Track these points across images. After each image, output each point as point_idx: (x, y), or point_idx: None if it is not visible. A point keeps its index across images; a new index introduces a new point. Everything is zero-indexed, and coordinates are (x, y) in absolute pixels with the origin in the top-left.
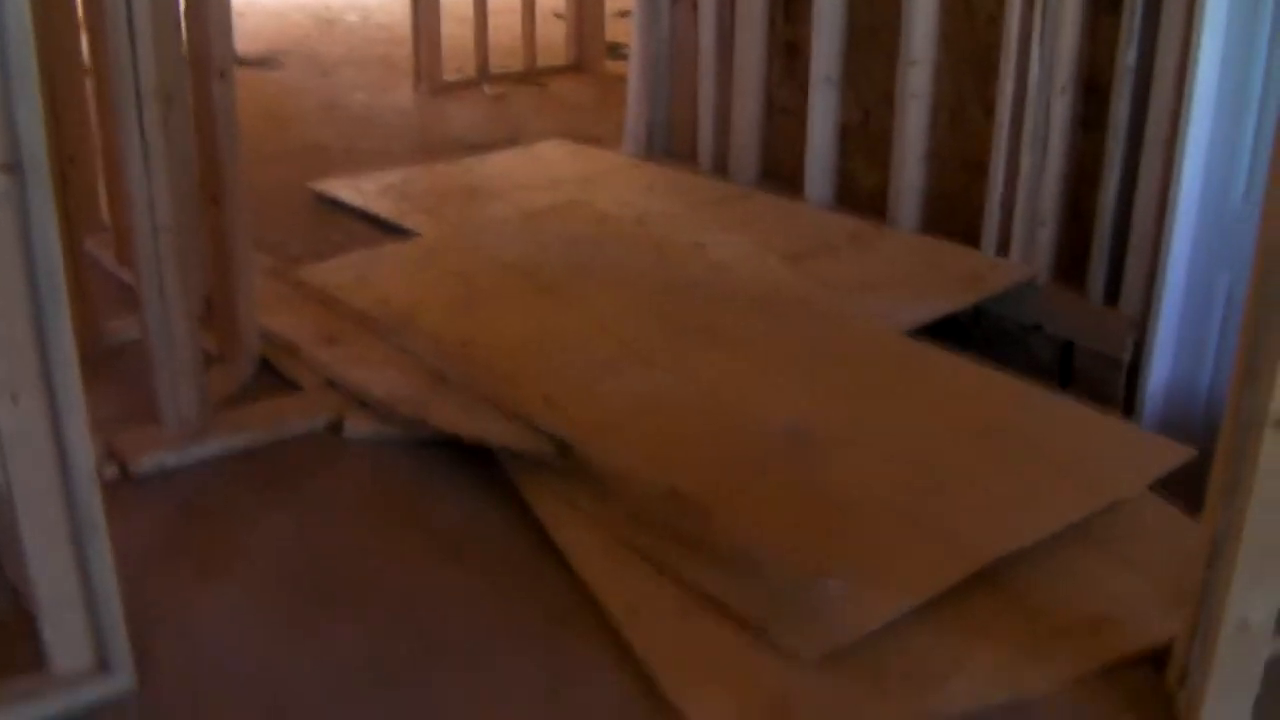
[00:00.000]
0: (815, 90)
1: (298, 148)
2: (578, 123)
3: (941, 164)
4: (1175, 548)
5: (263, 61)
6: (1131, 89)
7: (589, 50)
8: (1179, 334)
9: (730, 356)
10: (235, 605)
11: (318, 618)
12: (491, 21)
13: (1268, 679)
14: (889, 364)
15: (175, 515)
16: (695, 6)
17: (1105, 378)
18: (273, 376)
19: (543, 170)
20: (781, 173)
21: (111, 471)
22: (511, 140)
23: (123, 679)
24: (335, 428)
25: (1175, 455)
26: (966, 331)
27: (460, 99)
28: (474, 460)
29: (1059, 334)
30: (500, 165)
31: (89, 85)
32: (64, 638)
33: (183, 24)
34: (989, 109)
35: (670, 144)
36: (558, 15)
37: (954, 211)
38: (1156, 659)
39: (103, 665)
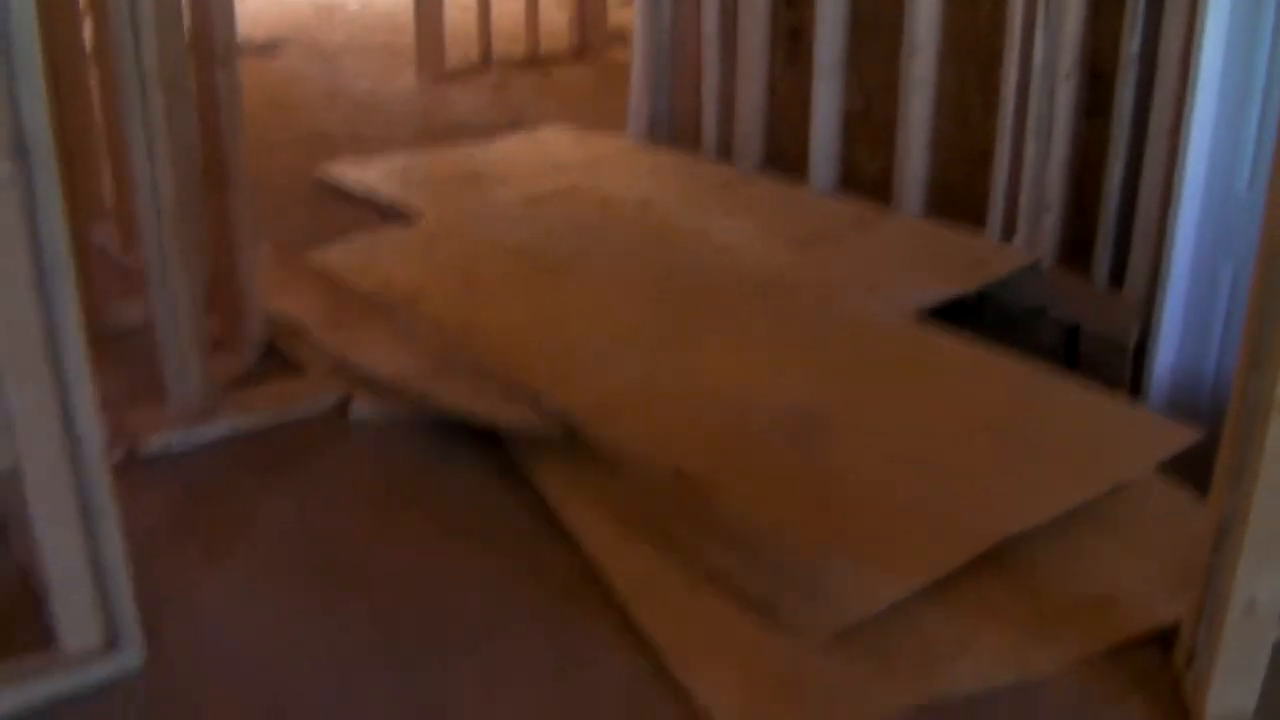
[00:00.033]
0: (819, 77)
1: (301, 134)
2: (581, 108)
3: (945, 151)
4: (1182, 530)
5: (263, 48)
6: (1136, 76)
7: (592, 36)
8: (1184, 318)
9: (734, 340)
10: (243, 585)
11: (325, 597)
12: (494, 8)
13: (1275, 660)
14: (893, 348)
15: (182, 495)
16: None
17: (1111, 361)
18: (278, 359)
19: (546, 155)
20: (785, 158)
21: (119, 453)
22: (514, 126)
23: (132, 657)
24: (342, 409)
25: (1181, 437)
26: (971, 316)
27: (463, 85)
28: (480, 442)
29: (1064, 318)
30: (503, 151)
31: (92, 73)
32: (73, 616)
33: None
34: (993, 96)
35: (673, 129)
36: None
37: (958, 198)
38: (1163, 640)
39: (112, 644)
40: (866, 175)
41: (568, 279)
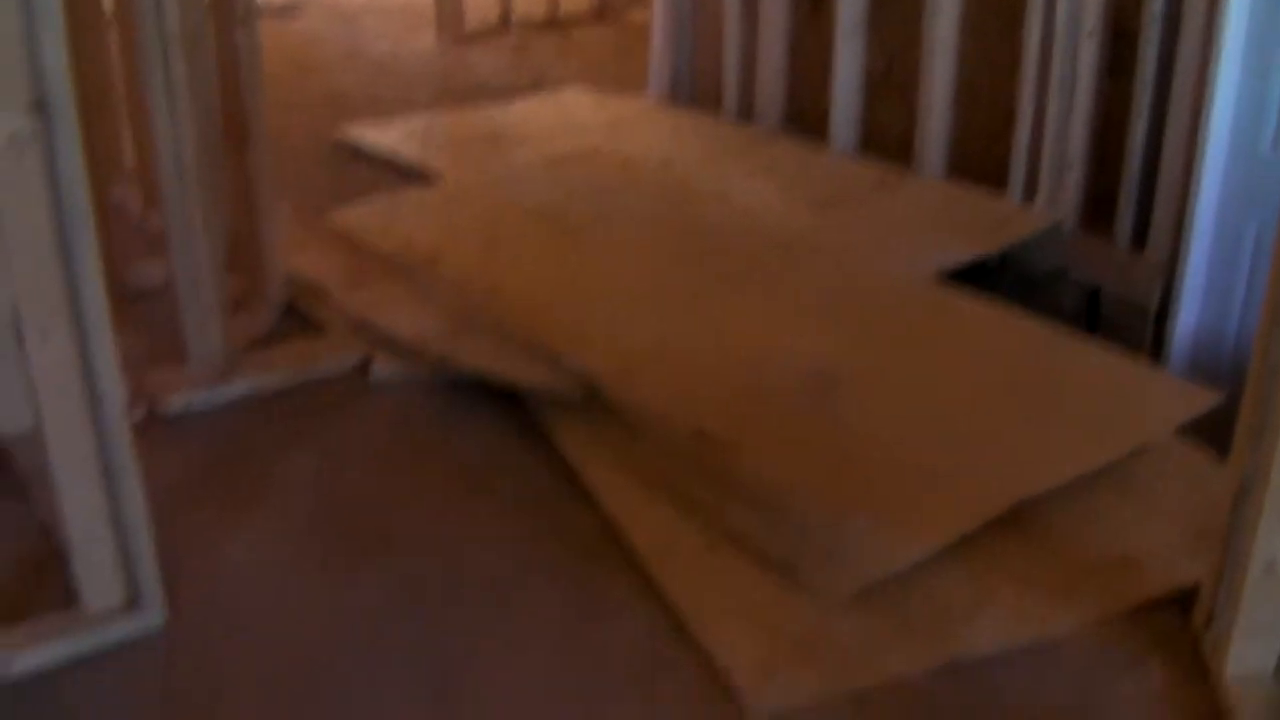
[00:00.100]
0: (841, 37)
1: (321, 95)
2: (601, 70)
3: (967, 110)
4: (1202, 492)
5: (283, 10)
6: (1159, 34)
7: None
8: (1207, 279)
9: (756, 301)
10: (263, 543)
11: (345, 555)
12: None
13: None
14: (914, 309)
15: (203, 454)
16: None
17: (1132, 324)
18: (298, 320)
19: (566, 117)
20: (806, 119)
21: (140, 412)
22: (535, 87)
23: (153, 616)
24: (362, 369)
25: (1202, 400)
26: (993, 277)
27: (483, 46)
28: (500, 401)
29: (1086, 280)
30: (523, 112)
31: (112, 35)
32: (95, 575)
33: None
34: (1015, 56)
35: (694, 90)
36: None
37: (980, 158)
38: (1183, 601)
39: (133, 602)
40: (889, 135)
41: (588, 240)
